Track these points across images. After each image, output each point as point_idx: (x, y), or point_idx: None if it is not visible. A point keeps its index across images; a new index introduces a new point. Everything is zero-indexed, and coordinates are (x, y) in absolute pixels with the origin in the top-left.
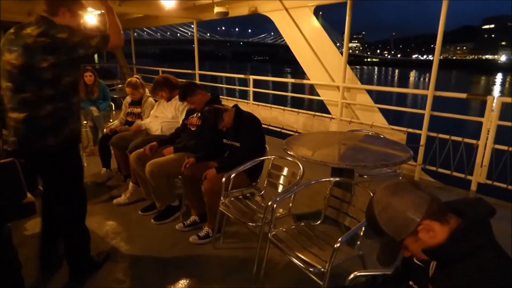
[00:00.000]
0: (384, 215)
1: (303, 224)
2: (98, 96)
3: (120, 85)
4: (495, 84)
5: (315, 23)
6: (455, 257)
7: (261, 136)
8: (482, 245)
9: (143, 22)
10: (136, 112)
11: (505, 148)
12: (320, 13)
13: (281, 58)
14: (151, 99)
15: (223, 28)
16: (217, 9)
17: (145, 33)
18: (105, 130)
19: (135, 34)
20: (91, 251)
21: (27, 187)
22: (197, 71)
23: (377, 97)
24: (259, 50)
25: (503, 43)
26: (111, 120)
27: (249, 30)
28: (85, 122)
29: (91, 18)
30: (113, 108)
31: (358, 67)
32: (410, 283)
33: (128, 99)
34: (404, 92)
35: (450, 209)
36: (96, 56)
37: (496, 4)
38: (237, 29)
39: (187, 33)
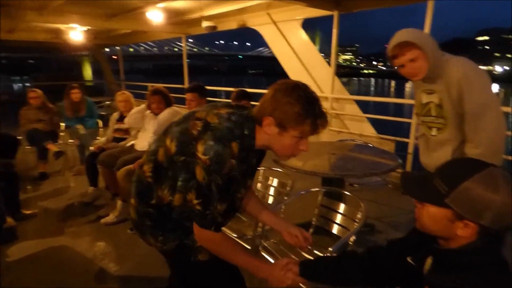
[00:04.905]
0: (478, 189)
1: None
2: (85, 114)
3: (108, 102)
4: None
5: (303, 35)
6: (468, 263)
7: None
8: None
9: (131, 37)
10: (124, 128)
11: None
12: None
13: (277, 71)
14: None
15: (222, 42)
16: (205, 24)
17: (142, 48)
18: (91, 148)
19: (132, 49)
20: (78, 274)
21: (9, 211)
22: (186, 86)
23: (375, 107)
24: (256, 63)
25: (497, 54)
26: (98, 138)
27: (248, 44)
28: (71, 140)
29: (76, 34)
30: (101, 125)
31: (355, 78)
32: None
33: (116, 115)
34: (397, 102)
35: None
36: (90, 73)
37: (490, 17)
38: (235, 43)
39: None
